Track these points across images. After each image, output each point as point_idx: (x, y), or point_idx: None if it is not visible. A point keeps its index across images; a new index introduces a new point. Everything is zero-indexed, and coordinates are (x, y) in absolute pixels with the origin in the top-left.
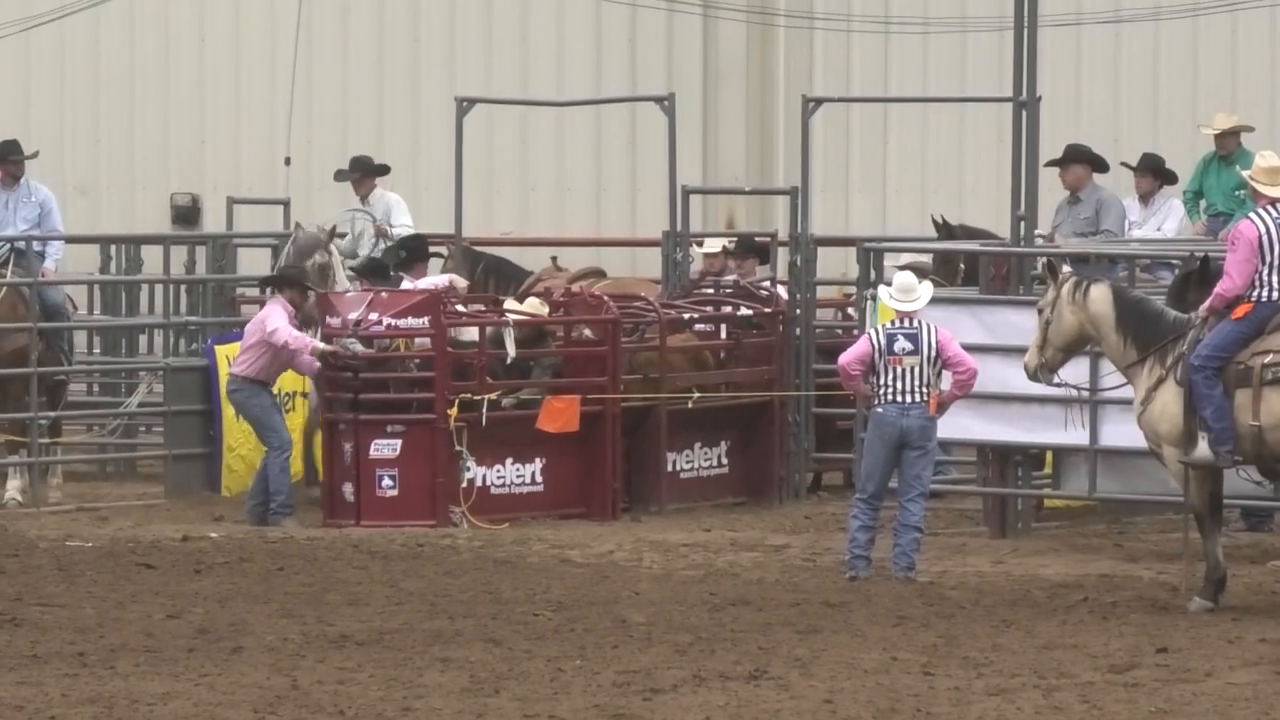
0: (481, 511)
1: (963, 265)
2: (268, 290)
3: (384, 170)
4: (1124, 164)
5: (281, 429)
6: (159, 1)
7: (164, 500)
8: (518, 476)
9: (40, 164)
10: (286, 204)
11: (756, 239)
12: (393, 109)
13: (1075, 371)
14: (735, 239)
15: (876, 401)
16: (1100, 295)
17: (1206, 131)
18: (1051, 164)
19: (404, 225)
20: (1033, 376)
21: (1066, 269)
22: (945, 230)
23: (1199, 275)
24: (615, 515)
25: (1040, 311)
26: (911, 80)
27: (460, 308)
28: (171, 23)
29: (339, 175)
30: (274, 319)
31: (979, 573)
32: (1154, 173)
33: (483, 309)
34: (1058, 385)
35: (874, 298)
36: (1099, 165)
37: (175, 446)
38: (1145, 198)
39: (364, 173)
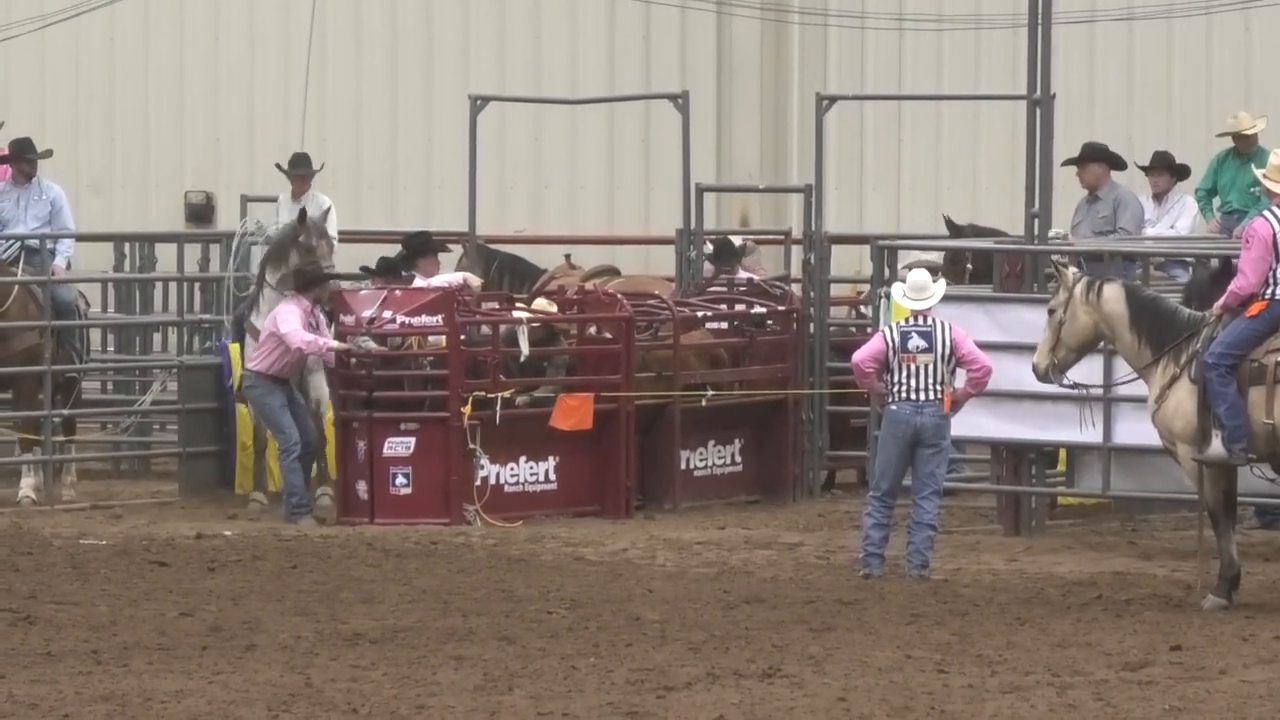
0: (495, 509)
1: (969, 265)
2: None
3: (317, 171)
4: (1136, 164)
5: (290, 430)
6: (174, 0)
7: (178, 498)
8: (531, 474)
9: (55, 162)
10: None
11: (731, 238)
12: (406, 107)
13: (1084, 370)
14: (713, 243)
15: (890, 399)
16: (1114, 295)
17: (1232, 131)
18: (1069, 163)
19: (332, 236)
20: (1042, 377)
21: (1072, 270)
22: (954, 230)
23: (1223, 273)
24: (629, 513)
25: (1052, 312)
26: (925, 78)
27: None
28: (186, 21)
29: (290, 169)
30: (286, 320)
31: (993, 570)
32: (1169, 170)
33: (497, 307)
34: (1067, 385)
35: (888, 295)
36: (1117, 163)
37: (189, 444)
38: (1160, 196)
39: (306, 171)
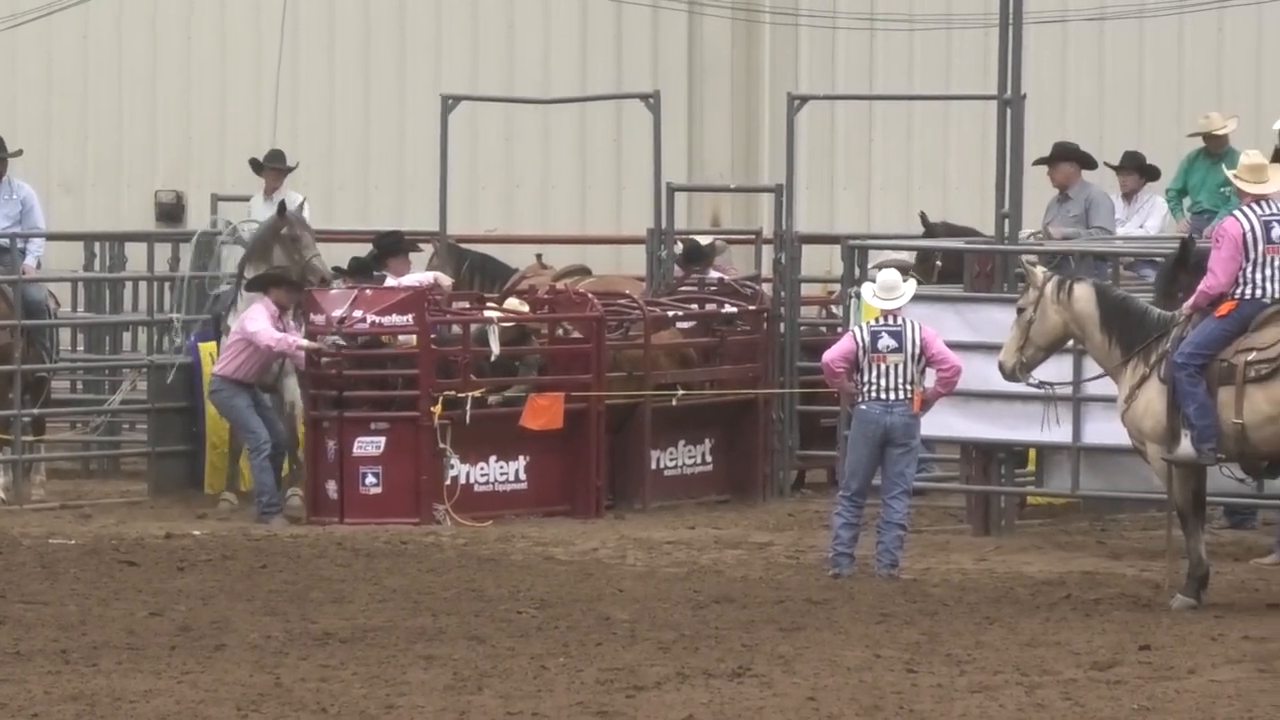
0: (465, 509)
1: (939, 262)
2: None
3: (293, 168)
4: (1107, 164)
5: (259, 429)
6: None
7: (147, 498)
8: (501, 474)
9: (26, 161)
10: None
11: (700, 240)
12: (378, 106)
13: (1051, 369)
14: (683, 244)
15: (860, 399)
16: (1084, 294)
17: (1203, 132)
18: (1040, 162)
19: None
20: (1009, 375)
21: (1041, 269)
22: (928, 227)
23: (1183, 258)
24: (599, 513)
25: (1021, 311)
26: (896, 77)
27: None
28: (159, 20)
29: (266, 164)
30: (255, 320)
31: (962, 570)
32: (1139, 170)
33: (468, 306)
34: (1033, 385)
35: (858, 295)
36: (1087, 163)
37: (159, 444)
38: (1129, 195)
39: (282, 166)
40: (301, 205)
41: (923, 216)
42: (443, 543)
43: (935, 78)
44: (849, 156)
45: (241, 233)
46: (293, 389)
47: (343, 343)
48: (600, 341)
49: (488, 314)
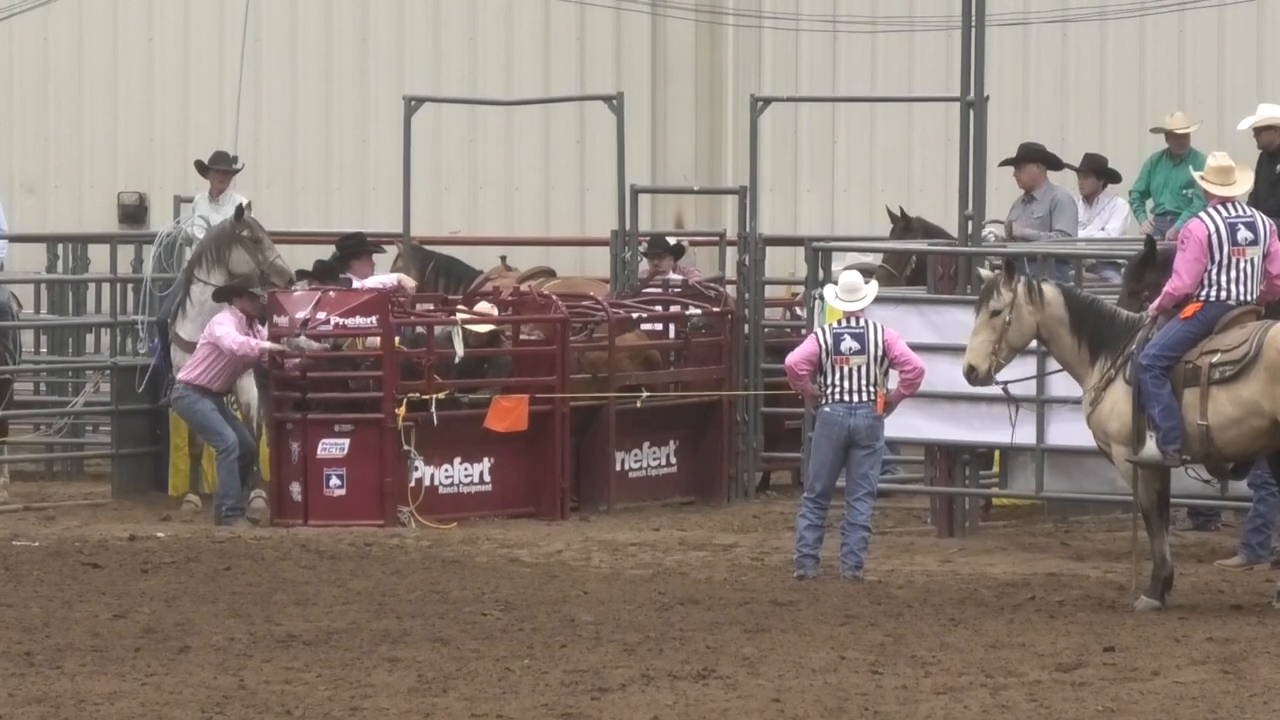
0: (430, 511)
1: (914, 257)
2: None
3: (238, 170)
4: (1068, 165)
5: (226, 432)
6: (108, 0)
7: (110, 499)
8: (466, 476)
9: None
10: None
11: (668, 238)
12: (341, 108)
13: (1011, 369)
14: (648, 239)
15: (824, 401)
16: (1054, 297)
17: (1164, 128)
18: (1006, 164)
19: None
20: (983, 379)
21: (984, 273)
22: (903, 221)
23: (1149, 256)
24: (564, 515)
25: (996, 314)
26: (860, 80)
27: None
28: (120, 21)
29: (211, 165)
30: (222, 323)
31: (926, 571)
32: (1097, 173)
33: (432, 308)
34: (1006, 392)
35: (821, 297)
36: (1053, 164)
37: (122, 445)
38: (1089, 198)
39: (226, 167)
40: (249, 207)
41: (899, 213)
42: (407, 545)
43: (898, 80)
44: (812, 158)
45: (190, 230)
46: (247, 389)
47: (314, 345)
48: (564, 343)
49: (452, 316)
